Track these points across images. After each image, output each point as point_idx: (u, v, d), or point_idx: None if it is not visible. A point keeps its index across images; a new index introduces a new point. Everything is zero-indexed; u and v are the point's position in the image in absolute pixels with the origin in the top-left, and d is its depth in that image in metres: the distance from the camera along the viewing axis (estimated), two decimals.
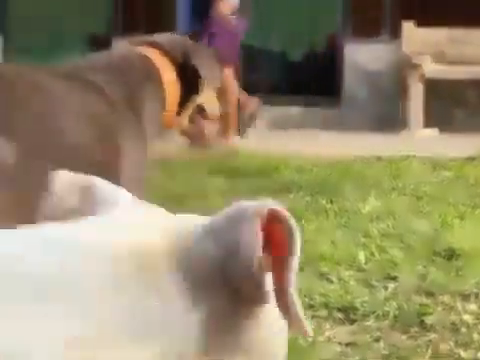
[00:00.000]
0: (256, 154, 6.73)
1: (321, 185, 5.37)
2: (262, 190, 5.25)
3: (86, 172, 0.95)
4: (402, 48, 9.64)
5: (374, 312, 2.90)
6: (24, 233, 0.81)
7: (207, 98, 2.34)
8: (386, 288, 3.21)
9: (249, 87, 10.65)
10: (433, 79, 9.34)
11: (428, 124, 9.40)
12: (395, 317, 2.87)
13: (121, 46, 2.49)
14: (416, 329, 2.79)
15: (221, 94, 2.70)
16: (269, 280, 0.84)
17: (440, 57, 9.46)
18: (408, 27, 9.60)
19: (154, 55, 2.27)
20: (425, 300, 3.06)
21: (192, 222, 0.89)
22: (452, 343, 2.66)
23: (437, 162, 6.89)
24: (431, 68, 9.38)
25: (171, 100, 2.28)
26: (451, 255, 3.63)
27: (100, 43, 10.71)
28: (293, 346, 2.49)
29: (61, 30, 10.44)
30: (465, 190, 5.48)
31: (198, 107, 2.41)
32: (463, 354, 2.59)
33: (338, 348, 2.65)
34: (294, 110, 10.31)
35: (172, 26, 10.59)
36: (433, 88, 9.39)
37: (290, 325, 0.85)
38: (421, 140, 8.95)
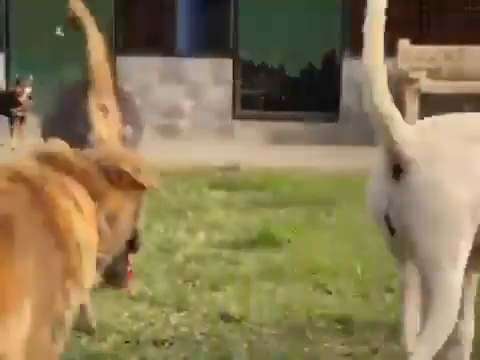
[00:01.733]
0: (255, 168, 6.77)
1: (319, 198, 5.41)
2: (261, 203, 5.29)
3: None
4: (398, 64, 9.70)
5: (372, 323, 2.93)
6: None
7: None
8: (383, 300, 3.24)
9: (248, 103, 10.71)
10: (428, 94, 9.40)
11: None
12: (392, 328, 2.89)
13: None
14: None
15: None
16: None
17: (435, 73, 9.52)
18: (404, 44, 9.67)
19: None
20: None
21: None
22: (449, 355, 2.68)
23: None
24: (427, 83, 9.44)
25: None
26: None
27: None
28: (291, 357, 2.53)
29: (61, 46, 10.49)
30: None
31: None
32: None
33: (336, 359, 2.67)
34: (292, 125, 10.35)
35: (172, 44, 10.65)
36: (428, 103, 9.44)
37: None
38: None
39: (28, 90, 8.93)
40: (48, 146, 1.97)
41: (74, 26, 2.95)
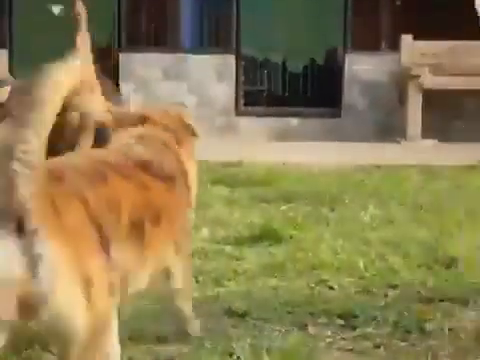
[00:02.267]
0: (258, 164, 6.78)
1: (321, 194, 5.42)
2: (264, 199, 5.30)
3: None
4: (401, 60, 9.70)
5: (374, 319, 2.93)
6: None
7: None
8: (386, 295, 3.24)
9: (251, 99, 10.71)
10: (431, 90, 9.40)
11: (427, 134, 9.45)
12: (395, 324, 2.90)
13: None
14: (416, 336, 2.82)
15: None
16: None
17: (438, 68, 9.52)
18: (407, 40, 9.67)
19: None
20: (425, 307, 3.09)
21: None
22: (451, 349, 2.69)
23: (436, 171, 6.94)
24: (429, 79, 9.44)
25: None
26: (450, 262, 3.67)
27: (103, 56, 10.77)
28: (294, 353, 2.54)
29: (63, 43, 10.50)
30: (464, 198, 5.52)
31: None
32: None
33: (339, 354, 2.68)
34: (295, 121, 10.36)
35: (176, 40, 10.65)
36: (431, 98, 9.44)
37: None
38: (420, 149, 8.99)
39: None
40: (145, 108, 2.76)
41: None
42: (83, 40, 3.58)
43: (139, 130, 2.52)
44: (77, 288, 1.76)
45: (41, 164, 1.72)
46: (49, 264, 1.71)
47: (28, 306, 1.72)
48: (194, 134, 2.68)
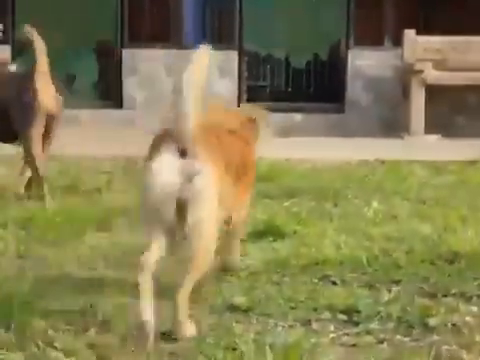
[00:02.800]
0: (261, 160, 6.78)
1: (325, 190, 5.42)
2: (267, 195, 5.30)
3: None
4: (404, 55, 9.69)
5: (377, 314, 2.94)
6: None
7: None
8: (389, 291, 3.25)
9: (253, 95, 10.70)
10: (434, 85, 9.39)
11: (430, 129, 9.44)
12: (398, 319, 2.90)
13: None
14: (419, 331, 2.82)
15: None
16: None
17: (441, 64, 9.51)
18: (410, 35, 9.65)
19: None
20: (428, 302, 3.10)
21: None
22: (455, 345, 2.69)
23: (439, 166, 6.93)
24: (432, 74, 9.43)
25: None
26: (453, 258, 3.67)
27: (106, 52, 10.78)
28: (297, 348, 2.54)
29: (68, 39, 10.50)
30: (467, 194, 5.52)
31: None
32: (465, 356, 2.62)
33: (342, 350, 2.68)
34: (298, 116, 10.36)
35: (178, 36, 10.65)
36: (435, 94, 9.43)
37: None
38: (423, 145, 8.99)
39: None
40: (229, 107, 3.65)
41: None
42: (41, 48, 5.01)
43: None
44: (215, 202, 2.63)
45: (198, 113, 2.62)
46: (201, 180, 2.58)
47: (182, 209, 2.56)
48: (258, 133, 3.39)
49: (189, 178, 2.56)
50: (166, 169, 2.57)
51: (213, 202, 2.63)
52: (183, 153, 2.60)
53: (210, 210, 2.62)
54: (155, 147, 2.67)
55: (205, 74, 2.77)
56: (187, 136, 2.59)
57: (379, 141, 9.11)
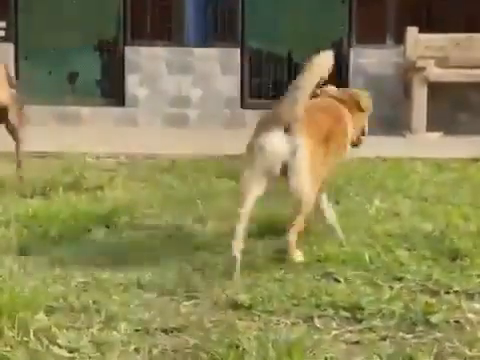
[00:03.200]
0: None
1: (327, 187, 5.41)
2: (269, 192, 5.29)
3: None
4: (406, 53, 9.68)
5: (380, 311, 2.94)
6: None
7: None
8: (392, 288, 3.25)
9: (256, 92, 10.70)
10: (436, 82, 9.38)
11: (432, 126, 9.44)
12: (401, 316, 2.91)
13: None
14: (421, 328, 2.82)
15: None
16: None
17: (443, 61, 9.50)
18: (412, 32, 9.64)
19: None
20: (430, 299, 3.10)
21: None
22: (457, 342, 2.70)
23: (441, 164, 6.93)
24: (434, 72, 9.41)
25: None
26: (456, 255, 3.67)
27: (108, 50, 10.77)
28: (300, 345, 2.55)
29: (70, 37, 10.50)
30: (469, 191, 5.52)
31: None
32: (468, 353, 2.63)
33: (344, 347, 2.69)
34: None
35: (180, 33, 10.64)
36: (437, 91, 9.42)
37: None
38: (425, 142, 8.99)
39: None
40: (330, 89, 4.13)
41: None
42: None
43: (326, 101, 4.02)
44: (309, 167, 3.44)
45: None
46: (301, 151, 3.42)
47: (285, 170, 3.42)
48: (361, 109, 4.01)
49: (291, 149, 3.41)
50: (276, 139, 3.40)
51: (307, 167, 3.44)
52: (287, 129, 3.40)
53: (306, 173, 3.44)
54: (263, 125, 3.48)
55: (321, 75, 3.59)
56: (293, 116, 3.39)
57: (381, 138, 9.10)
